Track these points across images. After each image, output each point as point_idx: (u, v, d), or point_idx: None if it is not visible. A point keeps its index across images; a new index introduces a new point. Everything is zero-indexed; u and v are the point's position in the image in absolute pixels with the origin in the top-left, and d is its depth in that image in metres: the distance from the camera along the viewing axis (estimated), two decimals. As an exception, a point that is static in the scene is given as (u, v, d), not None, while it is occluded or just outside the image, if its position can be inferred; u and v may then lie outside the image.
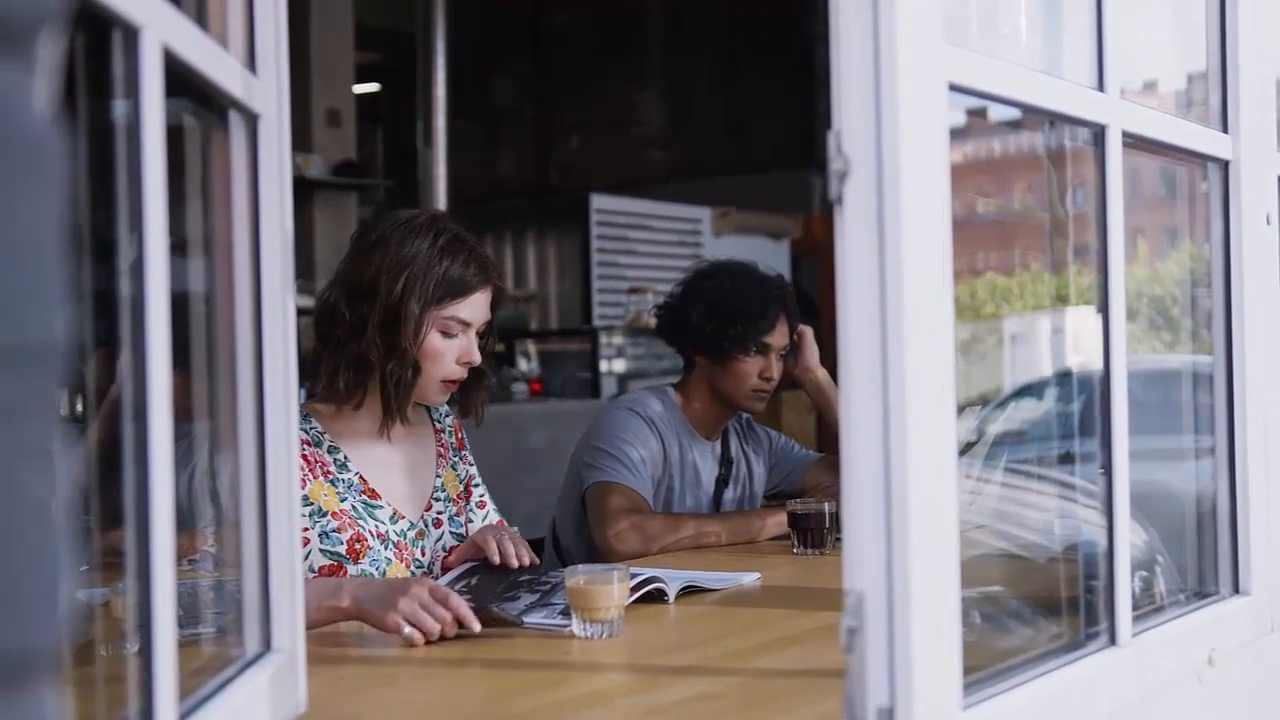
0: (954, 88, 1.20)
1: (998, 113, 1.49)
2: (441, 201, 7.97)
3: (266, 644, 1.31)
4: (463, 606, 1.83)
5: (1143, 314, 1.90)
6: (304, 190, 7.06)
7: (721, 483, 3.01)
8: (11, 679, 0.53)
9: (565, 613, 1.86)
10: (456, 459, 2.41)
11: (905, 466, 1.10)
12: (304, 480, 2.12)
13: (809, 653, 1.77)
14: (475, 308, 2.21)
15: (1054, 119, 1.53)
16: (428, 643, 1.80)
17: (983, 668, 1.27)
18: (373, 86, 9.94)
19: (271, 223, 1.31)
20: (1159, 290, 2.06)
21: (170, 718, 0.95)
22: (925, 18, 1.14)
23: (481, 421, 2.36)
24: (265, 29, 1.30)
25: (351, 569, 2.14)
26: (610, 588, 1.82)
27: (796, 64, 8.72)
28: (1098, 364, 1.51)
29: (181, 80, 1.05)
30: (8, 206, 0.52)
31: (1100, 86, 1.46)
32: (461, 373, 2.23)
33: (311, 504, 2.13)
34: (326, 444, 2.21)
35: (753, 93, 9.16)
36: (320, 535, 2.13)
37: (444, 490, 2.34)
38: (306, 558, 2.12)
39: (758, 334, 2.87)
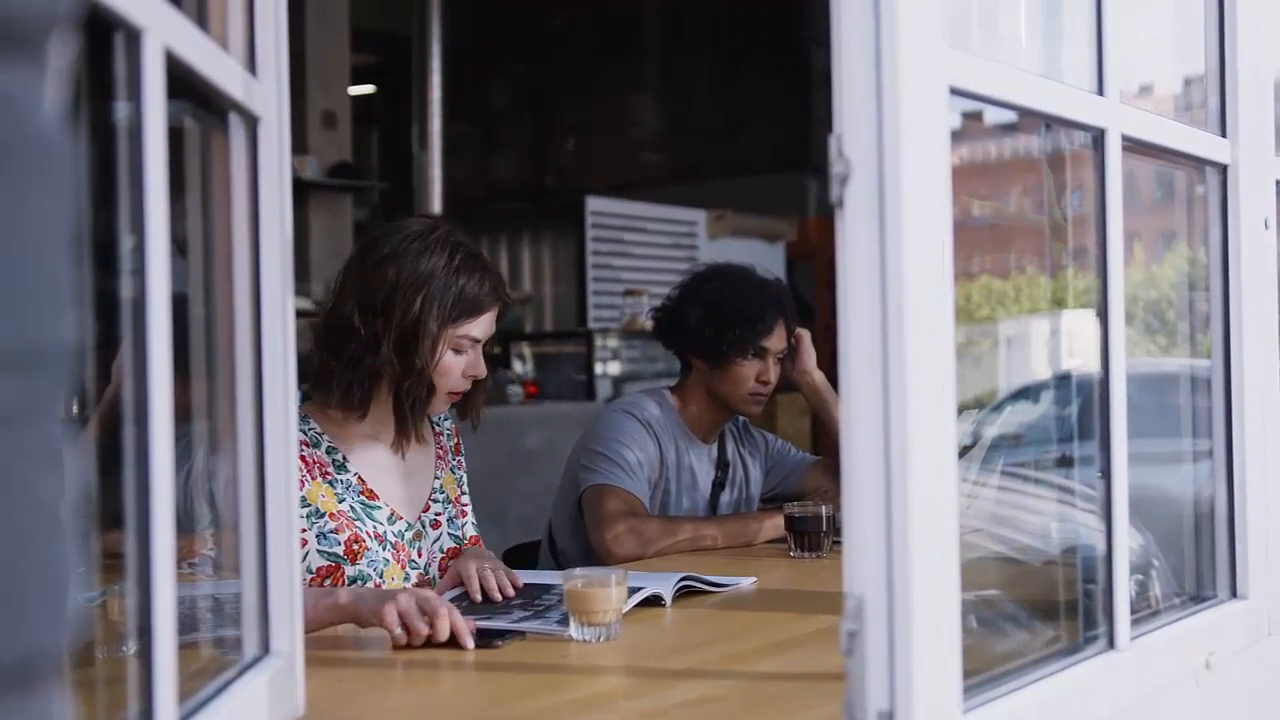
0: (955, 91, 1.20)
1: (993, 116, 1.49)
2: (437, 204, 7.97)
3: (265, 647, 1.31)
4: (459, 620, 1.82)
5: (1138, 318, 1.90)
6: (299, 192, 7.05)
7: (718, 486, 3.01)
8: (20, 682, 0.53)
9: (562, 621, 1.86)
10: (454, 461, 2.42)
11: (906, 470, 1.10)
12: (301, 481, 2.13)
13: (808, 656, 1.77)
14: (487, 325, 2.24)
15: (1054, 123, 1.54)
16: (412, 646, 1.79)
17: (982, 671, 1.27)
18: (368, 88, 9.94)
19: (271, 225, 1.31)
20: (1154, 294, 2.06)
21: (170, 721, 0.95)
22: (926, 21, 1.14)
23: (478, 426, 2.36)
24: (265, 31, 1.30)
25: (349, 570, 2.13)
26: (608, 591, 1.81)
27: (792, 67, 8.73)
28: (1094, 367, 1.51)
29: (182, 82, 1.05)
30: (17, 209, 0.52)
31: (1100, 90, 1.46)
32: (467, 385, 2.25)
33: (309, 505, 2.13)
34: (325, 444, 2.21)
35: (748, 96, 9.17)
36: (318, 536, 2.13)
37: (443, 492, 2.35)
38: (304, 559, 2.12)
39: (755, 337, 2.87)
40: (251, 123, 1.28)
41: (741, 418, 3.07)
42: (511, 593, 2.06)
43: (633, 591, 1.98)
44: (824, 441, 3.41)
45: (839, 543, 2.54)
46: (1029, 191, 1.94)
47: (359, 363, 2.16)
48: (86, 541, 0.60)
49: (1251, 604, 1.76)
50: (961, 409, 1.21)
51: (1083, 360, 1.76)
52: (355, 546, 2.15)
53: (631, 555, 2.63)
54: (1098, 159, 1.48)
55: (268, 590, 1.31)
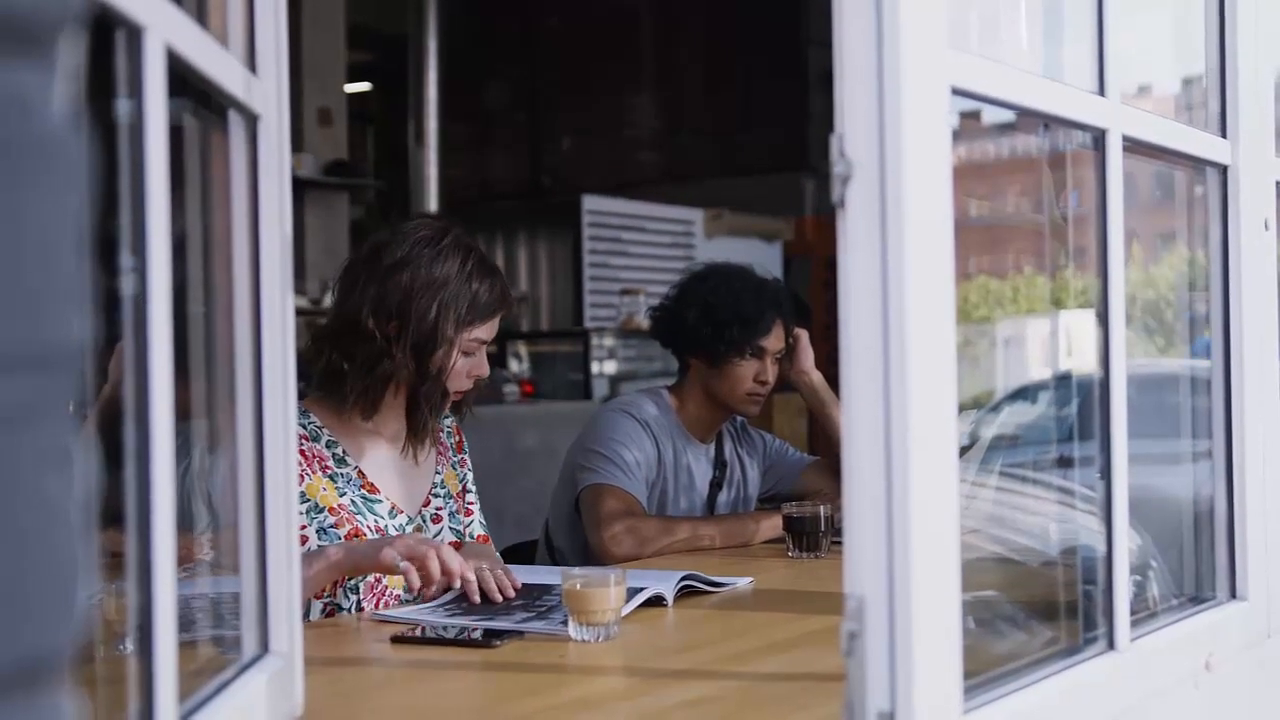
0: (956, 91, 1.19)
1: (990, 116, 1.49)
2: (433, 202, 7.97)
3: (264, 646, 1.31)
4: (464, 565, 1.94)
5: (1136, 318, 1.90)
6: (295, 190, 7.01)
7: (715, 485, 3.01)
8: (29, 680, 0.53)
9: (566, 622, 1.86)
10: (456, 459, 2.42)
11: (907, 469, 1.10)
12: (301, 476, 2.14)
13: (807, 656, 1.77)
14: (495, 328, 2.29)
15: (1055, 123, 1.53)
16: (422, 595, 1.85)
17: (982, 672, 1.27)
18: (364, 86, 9.93)
19: (271, 223, 1.31)
20: (1152, 294, 2.06)
21: (170, 719, 0.95)
22: (928, 21, 1.14)
23: (464, 419, 2.39)
24: (265, 29, 1.30)
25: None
26: (606, 590, 1.81)
27: (789, 67, 8.73)
28: (1092, 368, 1.51)
29: (183, 80, 1.05)
30: (29, 208, 0.52)
31: (1101, 91, 1.46)
32: (470, 384, 2.28)
33: (308, 500, 2.14)
34: (325, 439, 2.22)
35: (745, 95, 9.17)
36: (318, 532, 2.14)
37: (443, 487, 2.37)
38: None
39: (753, 338, 2.87)
40: (251, 120, 1.28)
41: (739, 417, 3.07)
42: (511, 594, 2.06)
43: (633, 593, 1.98)
44: (821, 441, 3.41)
45: (837, 543, 2.54)
46: (1026, 192, 1.94)
47: (374, 367, 2.18)
48: (92, 541, 0.60)
49: (1251, 605, 1.76)
50: (959, 409, 1.21)
51: (1080, 360, 1.76)
52: (356, 540, 2.16)
53: (629, 555, 2.63)
54: (1098, 159, 1.48)
55: (267, 589, 1.31)
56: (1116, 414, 1.47)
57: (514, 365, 7.29)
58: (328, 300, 6.66)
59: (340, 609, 2.12)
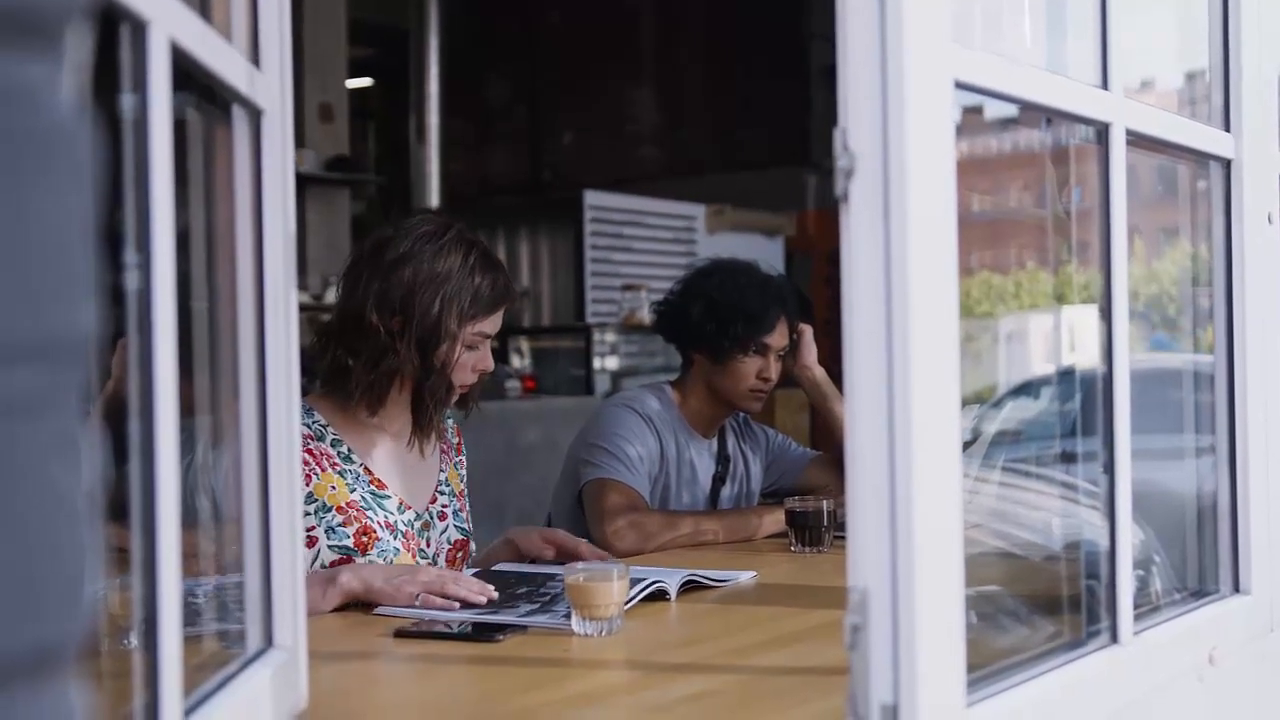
0: (960, 85, 1.19)
1: (993, 111, 1.49)
2: (434, 198, 7.97)
3: (268, 640, 1.31)
4: (476, 582, 1.98)
5: (1139, 313, 1.90)
6: (297, 185, 7.01)
7: (718, 480, 3.01)
8: (37, 671, 0.53)
9: (567, 616, 1.86)
10: (457, 459, 2.44)
11: (910, 462, 1.10)
12: (309, 476, 2.15)
13: (810, 650, 1.77)
14: (498, 322, 2.29)
15: (1058, 117, 1.53)
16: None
17: (985, 666, 1.27)
18: (366, 82, 9.93)
19: (274, 218, 1.31)
20: (1155, 289, 2.06)
21: (175, 713, 0.95)
22: (931, 15, 1.14)
23: (469, 414, 2.39)
24: (269, 23, 1.30)
25: (360, 561, 2.14)
26: (610, 585, 1.81)
27: (791, 61, 8.73)
28: (1095, 363, 1.51)
29: (186, 74, 1.05)
30: (38, 199, 0.52)
31: (1104, 84, 1.46)
32: (475, 379, 2.29)
33: (316, 500, 2.14)
34: (330, 437, 2.22)
35: (747, 90, 9.16)
36: (326, 531, 2.15)
37: (448, 485, 2.38)
38: (316, 556, 2.13)
39: (757, 334, 2.87)
40: (255, 115, 1.28)
41: (742, 413, 3.07)
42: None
43: (634, 582, 1.98)
44: (824, 436, 3.41)
45: (840, 537, 2.54)
46: (1029, 186, 1.94)
47: (378, 363, 2.19)
48: (98, 532, 0.60)
49: (1254, 599, 1.76)
50: (962, 404, 1.21)
51: (1083, 355, 1.76)
52: (365, 538, 2.17)
53: (632, 550, 2.63)
54: (1102, 153, 1.47)
55: (271, 583, 1.31)
56: (1120, 408, 1.47)
57: (516, 361, 7.29)
58: (330, 296, 6.67)
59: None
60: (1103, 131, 1.47)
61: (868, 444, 1.11)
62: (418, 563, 2.24)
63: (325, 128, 7.57)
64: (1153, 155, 1.74)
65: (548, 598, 2.00)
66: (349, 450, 2.23)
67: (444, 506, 2.35)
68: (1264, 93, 1.80)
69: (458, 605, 1.95)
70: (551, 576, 2.09)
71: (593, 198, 7.85)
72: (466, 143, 9.74)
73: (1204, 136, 1.73)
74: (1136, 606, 1.50)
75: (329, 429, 2.23)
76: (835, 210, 1.15)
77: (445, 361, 2.21)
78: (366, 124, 10.06)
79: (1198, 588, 1.79)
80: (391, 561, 2.18)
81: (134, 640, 1.01)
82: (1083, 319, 1.69)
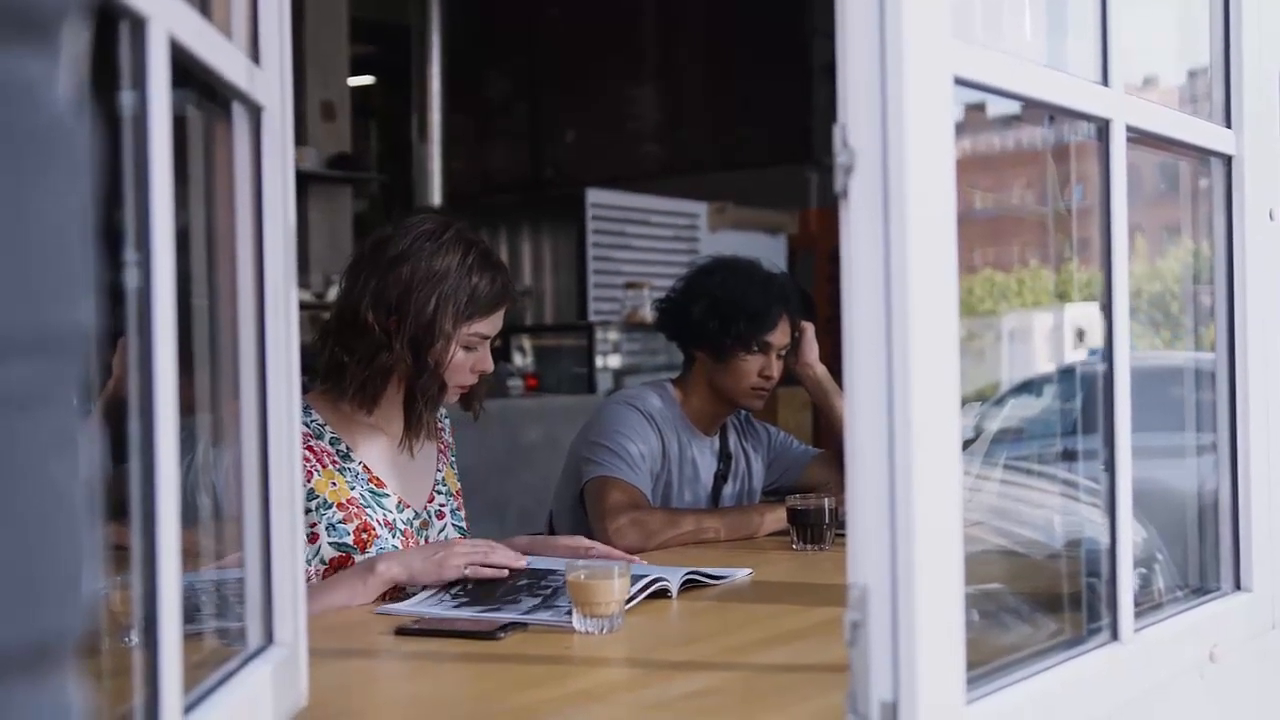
0: (960, 81, 1.19)
1: (995, 108, 1.49)
2: (436, 196, 7.97)
3: (269, 637, 1.31)
4: (508, 552, 2.06)
5: (1141, 310, 1.90)
6: (298, 183, 7.01)
7: (720, 478, 3.01)
8: (35, 665, 0.53)
9: (569, 612, 1.86)
10: (453, 458, 2.44)
11: (910, 459, 1.10)
12: (310, 473, 2.15)
13: (810, 648, 1.77)
14: (497, 323, 2.28)
15: (1059, 113, 1.53)
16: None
17: (985, 663, 1.27)
18: (367, 79, 9.93)
19: (275, 215, 1.31)
20: (1157, 286, 2.06)
21: (175, 710, 0.95)
22: (931, 11, 1.14)
23: (478, 416, 2.38)
24: (269, 19, 1.29)
25: (359, 559, 2.15)
26: (611, 582, 1.81)
27: (793, 59, 8.72)
28: (1096, 360, 1.51)
29: (186, 71, 1.05)
30: (36, 195, 0.52)
31: (1104, 81, 1.46)
32: (475, 379, 2.28)
33: (317, 496, 2.15)
34: (328, 435, 2.23)
35: (749, 88, 9.16)
36: (327, 527, 2.15)
37: (445, 484, 2.38)
38: (317, 552, 2.13)
39: (760, 333, 2.86)
40: (255, 112, 1.28)
41: (744, 411, 3.07)
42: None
43: (636, 579, 1.98)
44: (825, 434, 3.41)
45: (841, 535, 2.54)
46: (1031, 184, 1.94)
47: (372, 360, 2.19)
48: (98, 527, 0.60)
49: (1256, 596, 1.76)
50: (963, 402, 1.21)
51: (1085, 353, 1.76)
52: (365, 535, 2.17)
53: (634, 547, 2.63)
54: (1102, 150, 1.47)
55: (271, 580, 1.31)
56: (1120, 404, 1.47)
57: (518, 359, 7.30)
58: (331, 294, 6.67)
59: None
60: (1103, 128, 1.47)
61: (868, 441, 1.11)
62: None
63: (327, 126, 7.57)
64: (1154, 152, 1.74)
65: (549, 591, 2.00)
66: (347, 449, 2.23)
67: (441, 505, 2.35)
68: (1265, 89, 1.79)
69: (506, 573, 2.04)
70: (551, 571, 2.09)
71: (595, 195, 7.85)
72: (468, 141, 9.74)
73: (1205, 133, 1.73)
74: (1137, 604, 1.50)
75: (327, 427, 2.24)
76: (837, 208, 1.15)
77: (439, 361, 2.20)
78: (368, 122, 10.06)
79: (1199, 585, 1.79)
80: None
81: (134, 638, 1.01)
82: (1084, 316, 1.70)
